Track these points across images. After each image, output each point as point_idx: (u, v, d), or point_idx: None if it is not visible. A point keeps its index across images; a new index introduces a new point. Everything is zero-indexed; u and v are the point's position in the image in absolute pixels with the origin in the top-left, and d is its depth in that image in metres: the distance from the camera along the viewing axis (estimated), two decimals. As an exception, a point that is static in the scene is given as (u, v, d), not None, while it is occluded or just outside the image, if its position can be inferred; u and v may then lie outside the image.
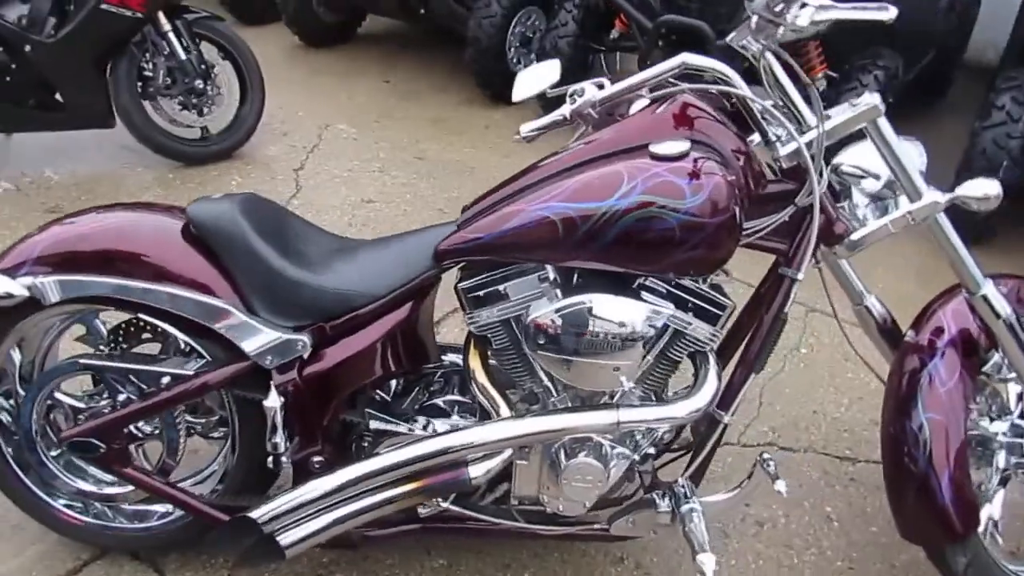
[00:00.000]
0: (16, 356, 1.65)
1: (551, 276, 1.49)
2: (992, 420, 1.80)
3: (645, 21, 3.50)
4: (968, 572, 1.64)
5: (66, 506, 1.69)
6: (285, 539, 1.50)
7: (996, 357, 1.69)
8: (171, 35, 3.27)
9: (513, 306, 1.51)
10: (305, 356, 1.51)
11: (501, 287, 1.51)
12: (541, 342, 1.46)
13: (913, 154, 1.60)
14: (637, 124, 1.50)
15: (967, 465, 1.61)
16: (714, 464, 2.09)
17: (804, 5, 1.35)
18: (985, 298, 1.58)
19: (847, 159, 1.64)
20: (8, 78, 3.11)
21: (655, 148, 1.42)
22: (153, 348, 1.69)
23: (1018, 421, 1.76)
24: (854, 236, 1.57)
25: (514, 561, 1.84)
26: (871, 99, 1.48)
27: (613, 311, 1.43)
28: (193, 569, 1.76)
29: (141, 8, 3.13)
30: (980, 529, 1.68)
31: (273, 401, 1.49)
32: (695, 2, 3.40)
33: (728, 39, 1.47)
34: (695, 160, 1.40)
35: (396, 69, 4.89)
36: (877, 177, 1.62)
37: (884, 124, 1.50)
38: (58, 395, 1.62)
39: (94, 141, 3.58)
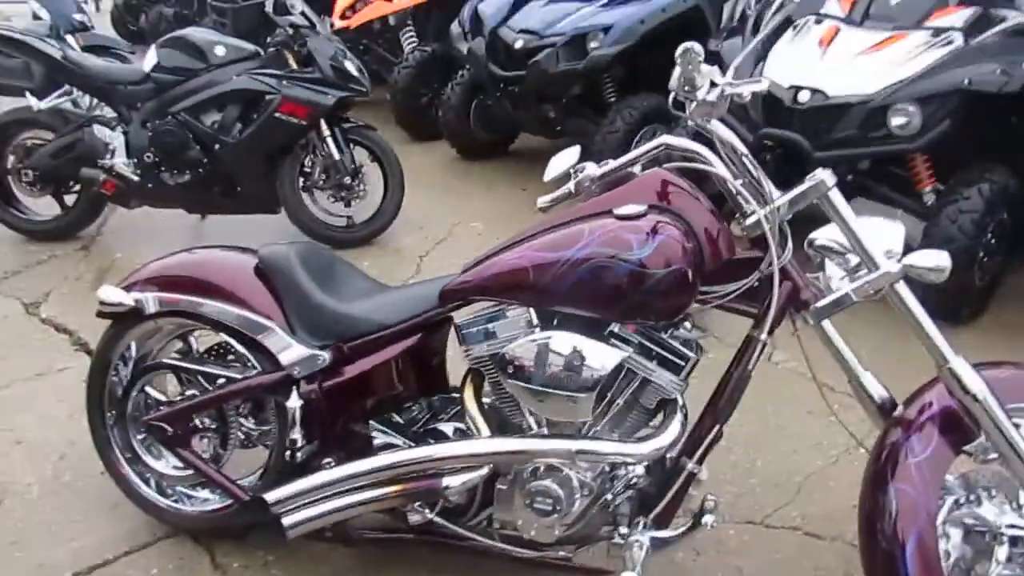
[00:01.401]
0: (133, 352, 2.10)
1: (532, 319, 1.73)
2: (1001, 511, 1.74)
3: (747, 134, 3.70)
4: (937, 658, 1.58)
5: (140, 478, 2.08)
6: (288, 520, 1.78)
7: (982, 437, 1.66)
8: (329, 140, 3.93)
9: (499, 343, 1.74)
10: (325, 369, 1.83)
11: (490, 326, 1.76)
12: (511, 371, 1.68)
13: (885, 231, 1.70)
14: (612, 193, 1.74)
15: (933, 541, 1.58)
16: (730, 540, 2.16)
17: (714, 85, 1.55)
18: (952, 371, 1.60)
19: (823, 233, 1.76)
20: (200, 170, 3.87)
21: (617, 210, 1.65)
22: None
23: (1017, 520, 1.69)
24: (819, 304, 1.67)
25: (506, 590, 1.98)
26: (820, 175, 1.63)
27: (567, 347, 1.63)
28: (238, 556, 2.07)
29: (306, 118, 3.81)
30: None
31: (294, 402, 1.81)
32: (795, 119, 3.56)
33: (689, 120, 1.68)
34: (649, 220, 1.61)
35: (533, 179, 5.36)
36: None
37: (836, 197, 1.63)
38: (148, 389, 2.05)
39: (262, 224, 4.26)
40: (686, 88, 1.56)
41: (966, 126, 3.34)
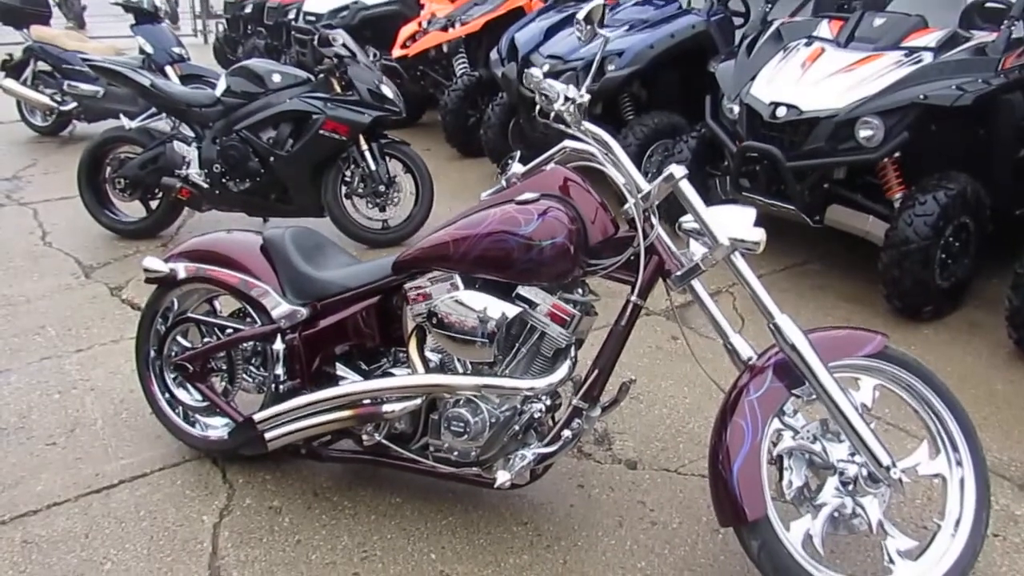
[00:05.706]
0: (176, 305, 2.69)
1: (458, 283, 2.20)
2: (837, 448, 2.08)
3: (732, 146, 4.07)
4: (761, 555, 1.94)
5: (171, 408, 2.67)
6: (269, 435, 2.32)
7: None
8: (367, 153, 4.51)
9: (431, 302, 2.23)
10: (304, 321, 2.37)
11: (427, 289, 2.25)
12: (435, 323, 2.16)
13: (737, 216, 2.09)
14: (519, 185, 2.21)
15: (757, 464, 1.95)
16: (644, 483, 2.56)
17: (567, 99, 2.00)
18: (776, 326, 1.98)
19: (688, 218, 2.16)
20: (259, 179, 4.53)
21: (517, 198, 2.12)
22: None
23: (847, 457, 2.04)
24: (678, 273, 2.08)
25: (447, 509, 2.44)
26: (671, 169, 2.04)
27: (472, 302, 2.10)
28: (243, 475, 2.61)
29: (346, 134, 4.41)
30: (798, 535, 1.99)
31: (278, 346, 2.36)
32: (775, 132, 3.90)
33: (551, 122, 2.14)
34: (540, 205, 2.08)
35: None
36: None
37: (685, 187, 2.03)
38: (180, 339, 2.63)
39: (312, 226, 4.88)
40: (546, 102, 2.02)
41: (927, 137, 3.62)
